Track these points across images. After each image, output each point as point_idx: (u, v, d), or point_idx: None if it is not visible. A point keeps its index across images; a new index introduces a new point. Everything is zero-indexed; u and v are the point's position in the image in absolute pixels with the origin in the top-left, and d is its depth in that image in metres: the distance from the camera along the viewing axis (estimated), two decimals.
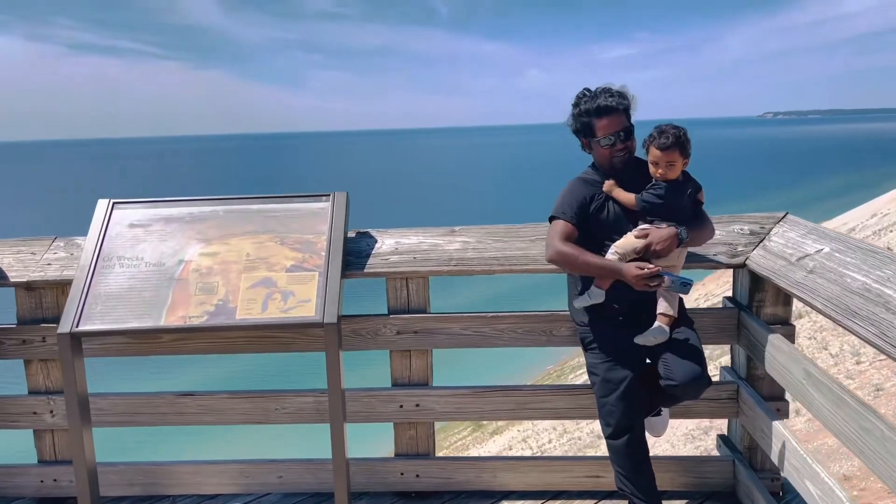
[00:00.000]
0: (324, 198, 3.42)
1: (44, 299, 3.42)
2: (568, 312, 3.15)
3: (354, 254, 3.35)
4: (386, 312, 3.33)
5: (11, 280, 3.36)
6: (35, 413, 3.45)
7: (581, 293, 2.98)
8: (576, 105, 2.94)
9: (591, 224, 2.90)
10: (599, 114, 2.86)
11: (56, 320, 3.33)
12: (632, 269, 2.76)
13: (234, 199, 3.47)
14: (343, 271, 3.21)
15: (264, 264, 3.22)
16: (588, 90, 2.95)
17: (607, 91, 2.90)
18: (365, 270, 3.28)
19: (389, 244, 3.39)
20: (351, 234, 3.45)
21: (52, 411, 3.44)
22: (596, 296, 2.91)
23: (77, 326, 3.08)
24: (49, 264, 3.42)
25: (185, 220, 3.40)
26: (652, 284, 2.74)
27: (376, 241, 3.41)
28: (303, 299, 3.11)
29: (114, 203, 3.46)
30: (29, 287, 3.39)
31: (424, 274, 3.28)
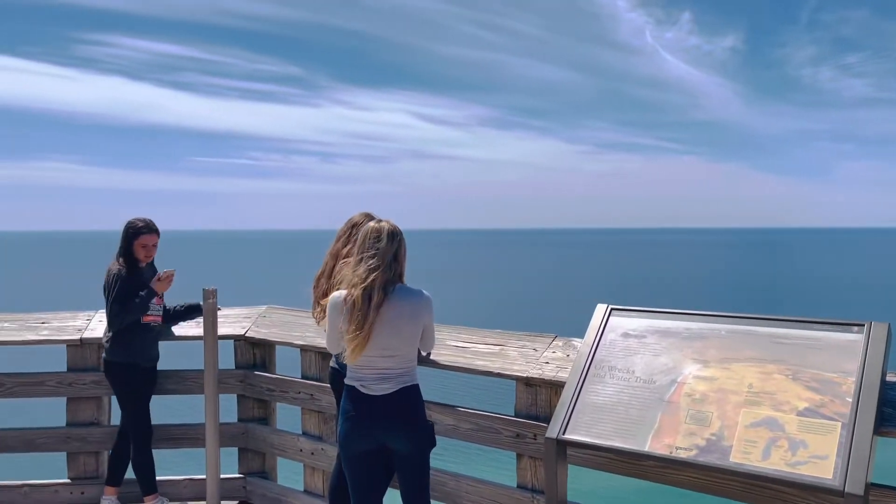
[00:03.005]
0: (855, 328, 2.74)
1: (538, 397, 3.49)
2: None
3: (893, 405, 2.57)
4: None
5: (513, 373, 3.53)
6: None
7: None
8: None
9: None
10: None
11: (546, 420, 3.36)
12: None
13: (740, 317, 3.04)
14: (877, 427, 2.48)
15: (770, 401, 2.69)
16: None
17: None
18: None
19: None
20: (890, 378, 2.67)
21: None
22: None
23: (563, 434, 3.03)
24: (547, 363, 3.50)
25: (681, 335, 3.11)
26: None
27: None
28: (817, 454, 2.48)
29: (611, 309, 3.38)
30: (528, 383, 3.51)
31: None
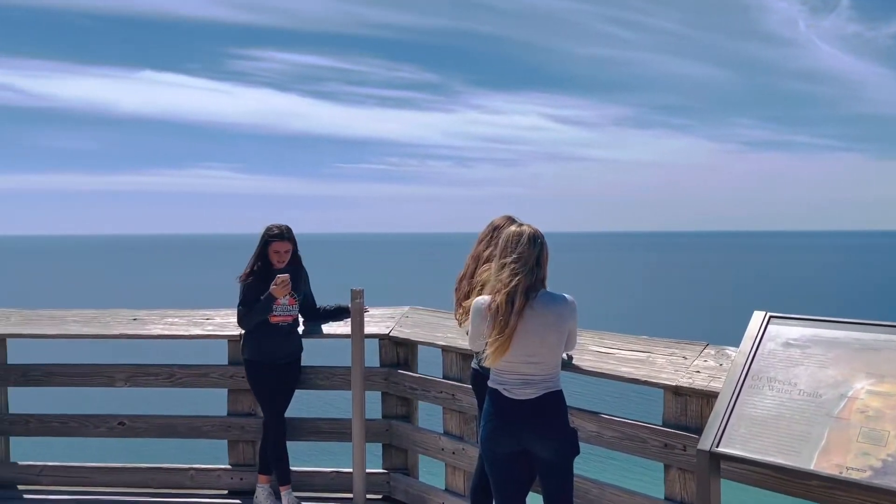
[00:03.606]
0: None
1: (688, 407, 3.33)
2: None
3: None
4: None
5: (661, 382, 3.39)
6: None
7: None
8: None
9: None
10: None
11: (697, 431, 3.20)
12: None
13: None
14: None
15: None
16: None
17: None
18: None
19: None
20: None
21: None
22: None
23: (717, 446, 2.87)
24: (698, 372, 3.33)
25: (851, 346, 2.85)
26: None
27: None
28: None
29: (770, 316, 3.16)
30: (677, 392, 3.36)
31: None
